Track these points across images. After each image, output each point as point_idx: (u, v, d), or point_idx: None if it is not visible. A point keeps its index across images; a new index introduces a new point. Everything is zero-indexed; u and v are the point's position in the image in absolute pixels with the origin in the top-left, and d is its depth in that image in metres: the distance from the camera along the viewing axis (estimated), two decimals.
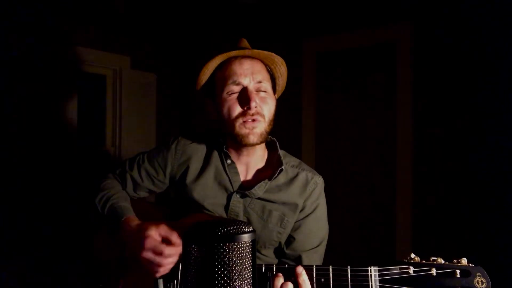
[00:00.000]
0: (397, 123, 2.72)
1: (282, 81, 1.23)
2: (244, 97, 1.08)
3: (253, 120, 1.09)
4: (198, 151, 1.23)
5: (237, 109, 1.09)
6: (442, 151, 2.52)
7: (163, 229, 0.96)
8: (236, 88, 1.10)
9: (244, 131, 1.09)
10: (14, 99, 2.58)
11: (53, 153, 2.78)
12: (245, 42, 1.19)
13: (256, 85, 1.10)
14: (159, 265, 0.94)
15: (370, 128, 2.89)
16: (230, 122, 1.11)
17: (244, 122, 1.09)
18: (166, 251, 0.93)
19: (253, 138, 1.09)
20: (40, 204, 2.67)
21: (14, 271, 2.49)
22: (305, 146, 3.08)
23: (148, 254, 0.94)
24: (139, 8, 3.34)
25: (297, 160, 1.26)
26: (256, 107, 1.08)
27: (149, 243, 0.94)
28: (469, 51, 2.40)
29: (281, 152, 1.22)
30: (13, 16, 2.55)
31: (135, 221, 1.07)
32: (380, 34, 2.79)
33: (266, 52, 1.12)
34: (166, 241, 0.96)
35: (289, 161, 1.23)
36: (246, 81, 1.09)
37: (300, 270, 0.90)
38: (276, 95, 1.22)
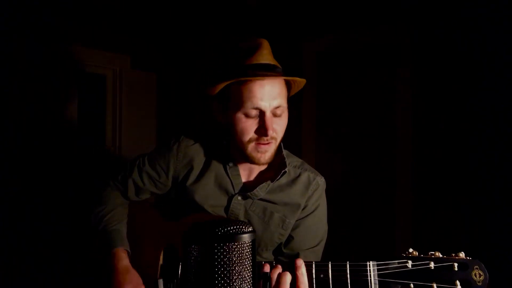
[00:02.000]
0: (397, 123, 2.72)
1: (297, 89, 1.19)
2: (261, 124, 1.05)
3: (267, 143, 1.08)
4: (200, 152, 1.22)
5: (252, 134, 1.07)
6: (442, 151, 2.52)
7: None
8: (254, 112, 1.05)
9: (256, 154, 1.09)
10: (14, 99, 2.58)
11: (53, 153, 2.78)
12: (265, 51, 1.09)
13: (274, 110, 1.06)
14: None
15: (370, 128, 2.89)
16: (242, 143, 1.09)
17: (257, 145, 1.08)
18: None
19: (264, 160, 1.10)
20: (40, 204, 2.67)
21: (14, 271, 2.49)
22: (305, 146, 3.08)
23: None
24: (139, 7, 3.34)
25: (300, 160, 1.25)
26: (272, 133, 1.07)
27: None
28: (469, 51, 2.40)
29: (284, 152, 1.21)
30: (13, 16, 2.55)
31: (122, 259, 1.10)
32: (380, 34, 2.78)
33: (289, 78, 1.09)
34: None
35: (291, 162, 1.22)
36: (264, 106, 1.04)
37: (300, 262, 0.90)
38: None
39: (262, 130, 1.05)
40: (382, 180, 2.83)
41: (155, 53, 3.58)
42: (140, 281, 1.07)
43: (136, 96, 3.41)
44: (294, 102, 3.31)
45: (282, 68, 1.13)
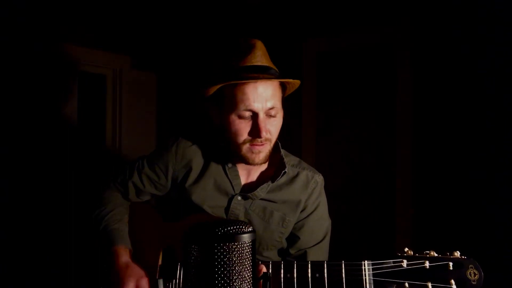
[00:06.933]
0: (397, 123, 2.71)
1: (292, 89, 1.20)
2: (255, 126, 1.06)
3: (261, 145, 1.09)
4: (199, 153, 1.23)
5: (245, 136, 1.08)
6: (442, 151, 2.52)
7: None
8: (247, 114, 1.06)
9: (250, 155, 1.10)
10: (14, 99, 2.58)
11: (53, 153, 2.78)
12: (258, 53, 1.08)
13: (268, 111, 1.07)
14: None
15: (370, 128, 2.89)
16: (236, 144, 1.10)
17: (252, 146, 1.08)
18: None
19: (258, 160, 1.10)
20: (40, 204, 2.67)
21: (14, 271, 2.49)
22: (305, 146, 3.08)
23: None
24: (139, 7, 3.34)
25: (297, 159, 1.26)
26: (265, 134, 1.07)
27: None
28: (470, 51, 2.40)
29: (282, 152, 1.22)
30: (13, 16, 2.55)
31: (123, 255, 1.09)
32: (380, 34, 2.78)
33: (283, 80, 1.09)
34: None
35: (289, 161, 1.23)
36: (258, 107, 1.05)
37: (260, 267, 0.91)
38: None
39: (255, 132, 1.06)
40: (382, 180, 2.83)
41: (155, 53, 3.58)
42: (142, 273, 1.05)
43: (136, 96, 3.41)
44: (294, 102, 3.32)
45: (279, 68, 1.13)
